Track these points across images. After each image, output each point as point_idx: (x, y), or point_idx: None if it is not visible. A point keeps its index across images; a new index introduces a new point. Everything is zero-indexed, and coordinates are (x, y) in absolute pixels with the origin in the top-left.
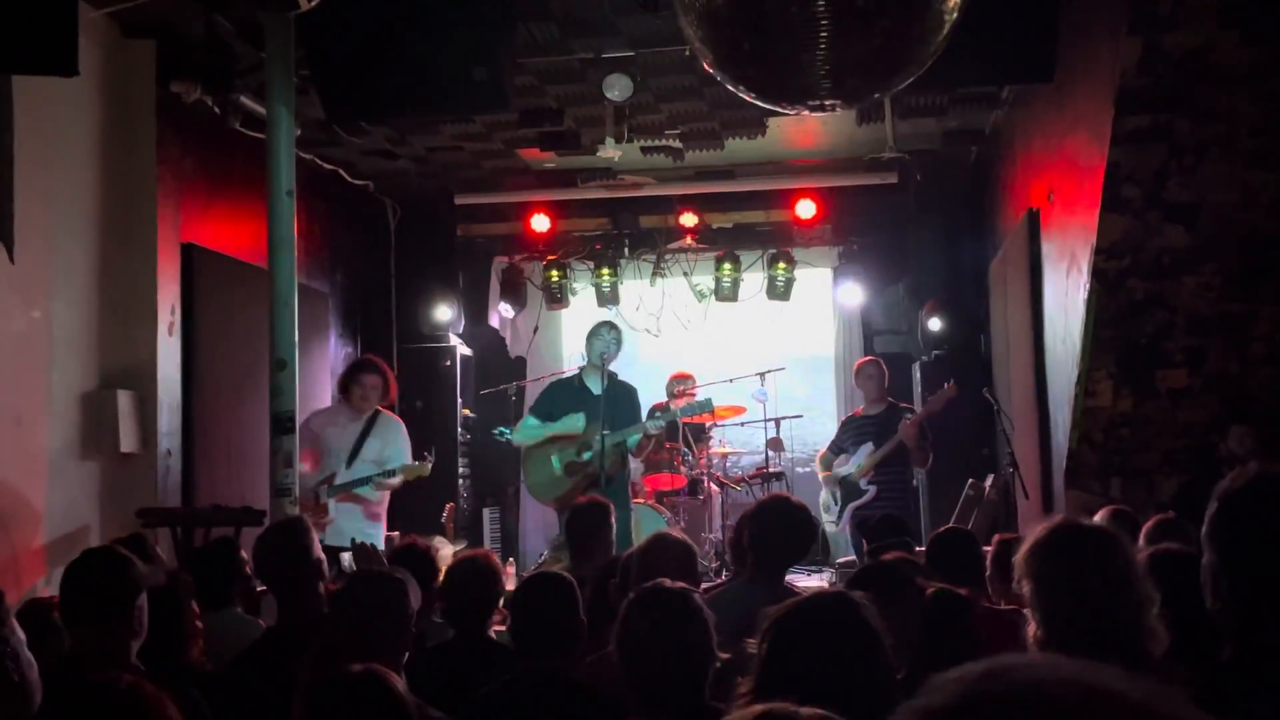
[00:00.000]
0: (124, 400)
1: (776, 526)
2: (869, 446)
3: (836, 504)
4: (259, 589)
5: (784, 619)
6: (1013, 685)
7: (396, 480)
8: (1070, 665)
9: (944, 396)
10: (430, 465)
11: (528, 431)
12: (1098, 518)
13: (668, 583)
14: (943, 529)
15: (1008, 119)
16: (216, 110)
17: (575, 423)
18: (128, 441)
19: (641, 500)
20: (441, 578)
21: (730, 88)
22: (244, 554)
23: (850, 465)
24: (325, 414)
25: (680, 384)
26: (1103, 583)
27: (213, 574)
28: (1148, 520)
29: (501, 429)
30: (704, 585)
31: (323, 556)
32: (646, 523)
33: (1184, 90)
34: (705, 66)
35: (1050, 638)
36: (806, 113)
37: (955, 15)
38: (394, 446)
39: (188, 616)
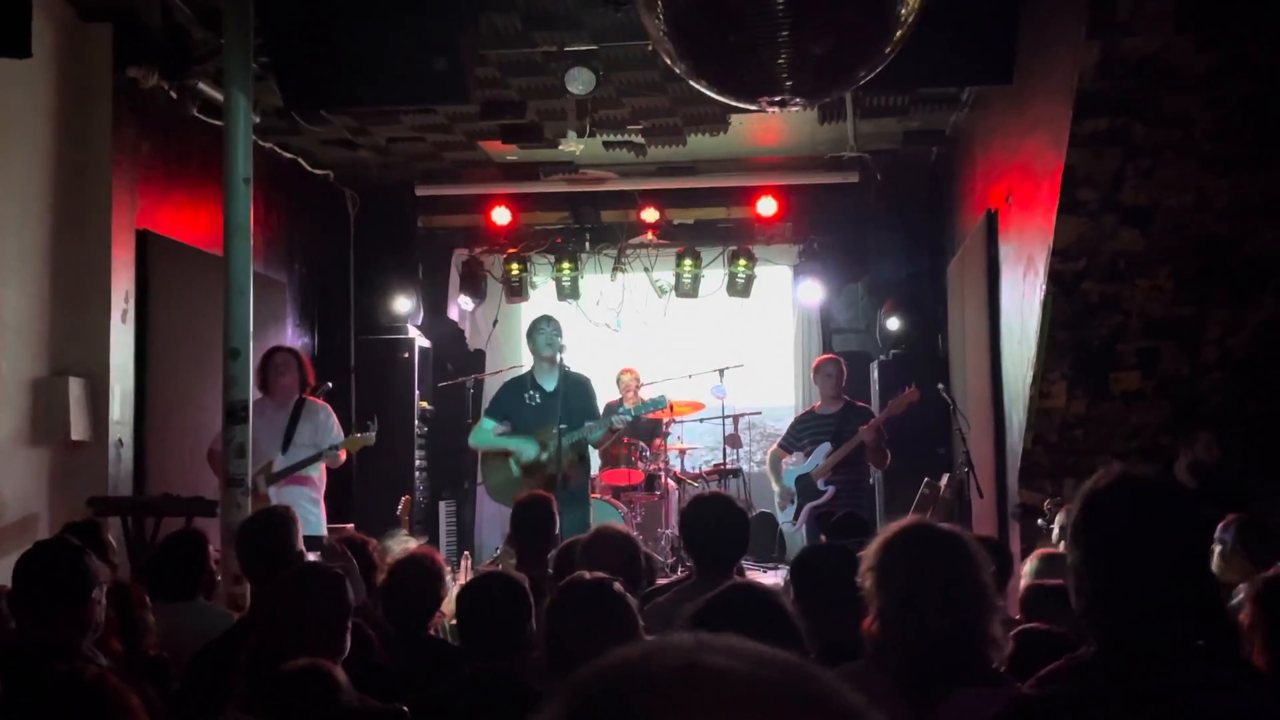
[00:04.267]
0: (75, 388)
1: (705, 528)
2: (826, 446)
3: (793, 503)
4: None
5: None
6: (617, 677)
7: (342, 454)
8: (679, 645)
9: (905, 400)
10: (374, 435)
11: (484, 437)
12: (1059, 516)
13: (587, 575)
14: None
15: (968, 121)
16: (174, 96)
17: (527, 447)
18: (79, 429)
19: (598, 495)
20: (384, 576)
21: (691, 82)
22: (210, 546)
23: (808, 465)
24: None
25: (628, 379)
26: (942, 587)
27: (179, 565)
28: None
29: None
30: (660, 581)
31: (304, 549)
32: (602, 517)
33: (1141, 94)
34: (666, 61)
35: (884, 634)
36: (767, 108)
37: (914, 14)
38: (325, 429)
39: (133, 606)
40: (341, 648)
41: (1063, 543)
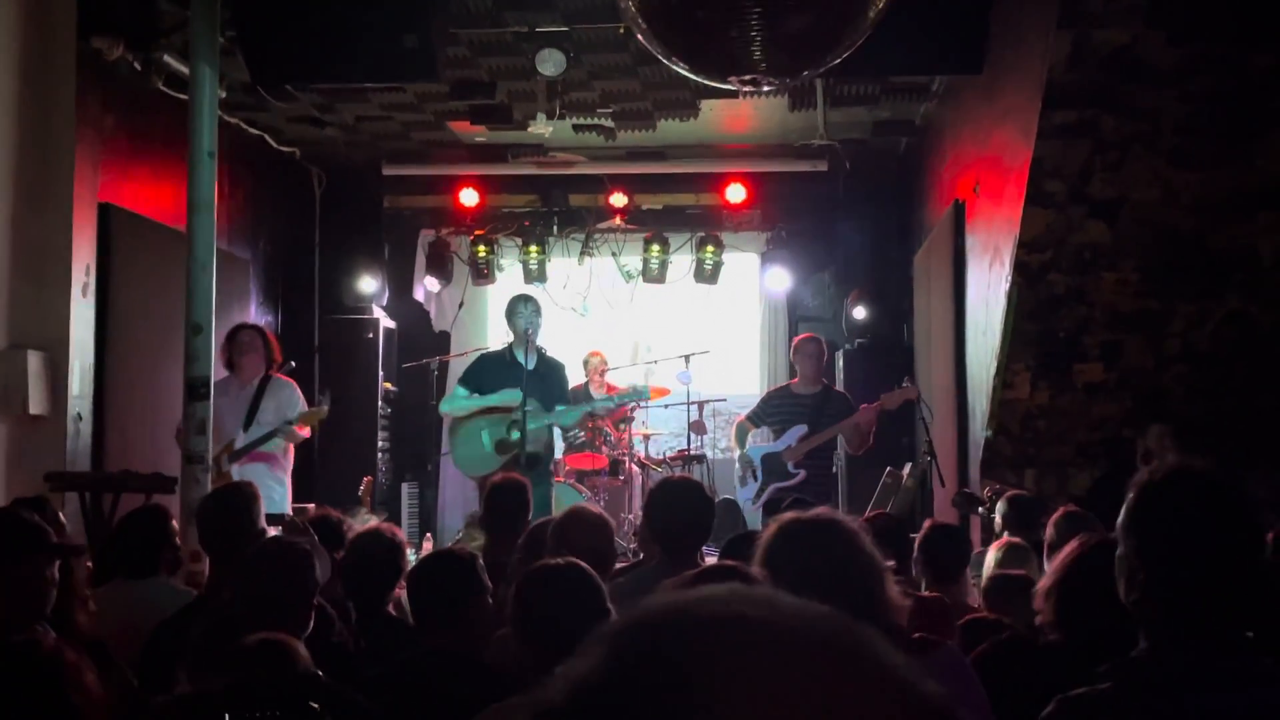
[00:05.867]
0: (34, 361)
1: (671, 511)
2: (802, 429)
3: (756, 480)
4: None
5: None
6: (662, 627)
7: (300, 429)
8: (717, 595)
9: (901, 396)
10: (326, 408)
11: (457, 402)
12: (999, 505)
13: (560, 560)
14: (874, 514)
15: (938, 111)
16: (139, 68)
17: (512, 396)
18: (37, 403)
19: (561, 479)
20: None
21: (664, 60)
22: (174, 523)
23: (779, 444)
24: (216, 387)
25: (595, 362)
26: (826, 565)
27: (140, 541)
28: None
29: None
30: (618, 565)
31: (266, 527)
32: (565, 501)
33: (1110, 87)
34: (639, 37)
35: None
36: (739, 87)
37: None
38: (289, 406)
39: (77, 582)
40: (305, 624)
41: (1006, 532)
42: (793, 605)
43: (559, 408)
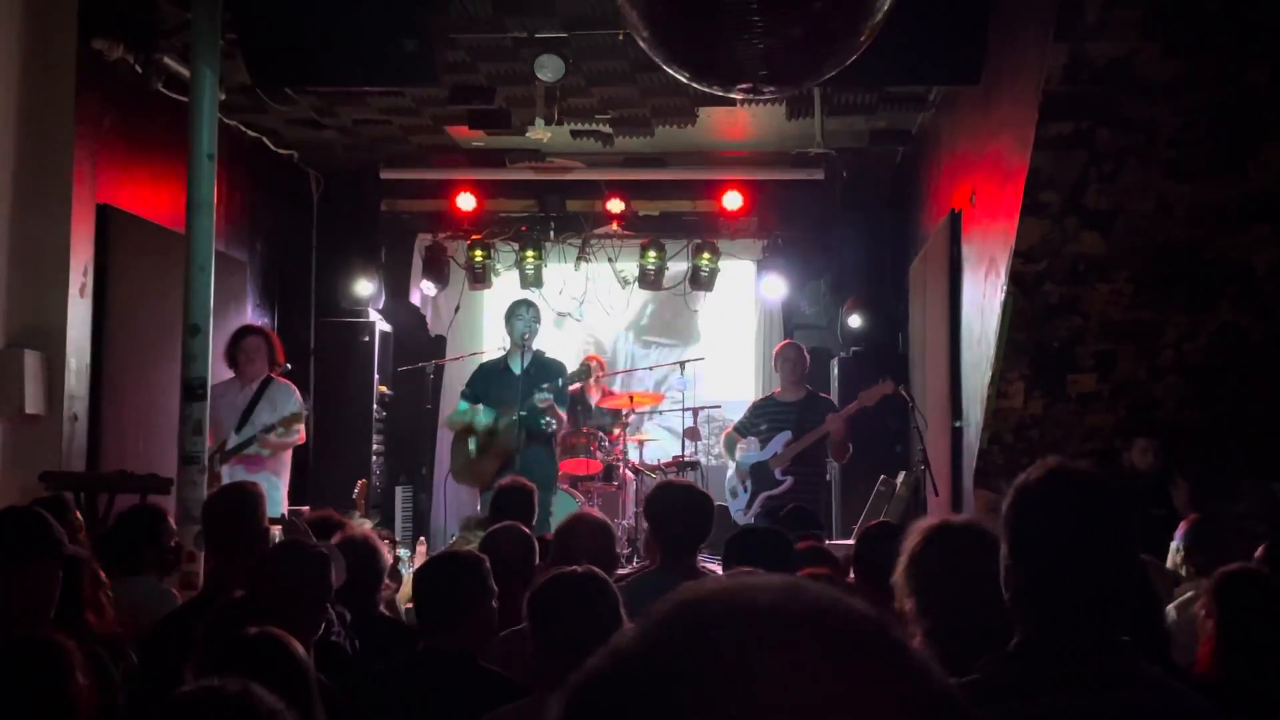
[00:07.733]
0: (31, 360)
1: (672, 513)
2: (786, 435)
3: (746, 491)
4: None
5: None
6: (691, 614)
7: (292, 433)
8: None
9: (878, 392)
10: (299, 411)
11: (453, 417)
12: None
13: (579, 569)
14: (872, 524)
15: (934, 121)
16: (139, 70)
17: (483, 415)
18: (33, 403)
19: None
20: None
21: (665, 68)
22: (170, 522)
23: (765, 453)
24: (218, 388)
25: (591, 366)
26: (977, 572)
27: (126, 540)
28: None
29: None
30: (618, 571)
31: (269, 527)
32: (560, 507)
33: (1106, 99)
34: (641, 46)
35: (933, 629)
36: (739, 97)
37: (886, 5)
38: (283, 408)
39: (88, 581)
40: (316, 627)
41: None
42: (821, 591)
43: (538, 396)
